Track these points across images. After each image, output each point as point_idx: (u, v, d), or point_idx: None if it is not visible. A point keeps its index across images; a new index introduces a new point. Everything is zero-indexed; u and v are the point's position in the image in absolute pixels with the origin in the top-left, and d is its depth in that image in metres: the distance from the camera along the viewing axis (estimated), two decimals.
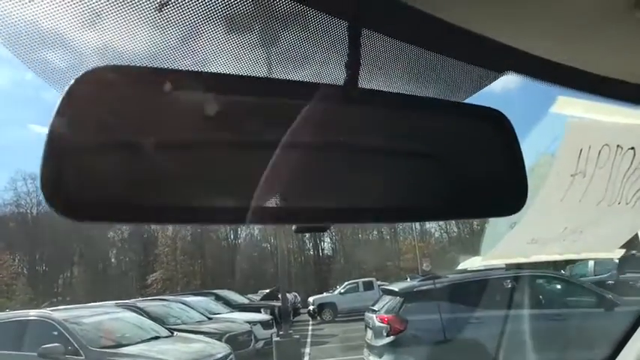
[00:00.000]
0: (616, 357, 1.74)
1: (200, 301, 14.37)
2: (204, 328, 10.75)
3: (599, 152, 1.26)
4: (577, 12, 0.89)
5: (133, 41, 0.79)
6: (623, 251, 1.67)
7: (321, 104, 0.68)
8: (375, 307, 8.83)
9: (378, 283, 18.99)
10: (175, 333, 9.24)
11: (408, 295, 8.18)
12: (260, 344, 11.57)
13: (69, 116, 0.53)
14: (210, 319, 12.14)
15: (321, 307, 18.98)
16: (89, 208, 0.55)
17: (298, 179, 0.65)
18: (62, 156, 0.53)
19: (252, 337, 11.17)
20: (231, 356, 8.26)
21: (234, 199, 0.61)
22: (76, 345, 7.62)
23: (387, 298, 8.81)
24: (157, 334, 8.73)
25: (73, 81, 0.55)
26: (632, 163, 1.36)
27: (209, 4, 0.74)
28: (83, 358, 7.50)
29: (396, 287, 9.01)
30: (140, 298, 15.82)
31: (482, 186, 0.74)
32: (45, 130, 0.55)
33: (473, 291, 7.27)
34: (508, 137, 0.75)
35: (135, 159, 0.57)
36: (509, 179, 0.74)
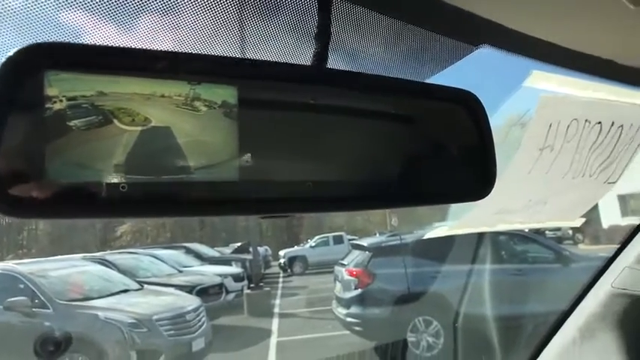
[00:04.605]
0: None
1: (171, 254, 14.31)
2: (175, 281, 10.77)
3: (568, 127, 1.27)
4: None
5: None
6: (583, 220, 1.72)
7: (288, 83, 0.64)
8: (345, 262, 9.09)
9: (348, 237, 19.35)
10: (145, 286, 9.24)
11: (376, 250, 8.43)
12: (231, 297, 11.73)
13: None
14: (180, 272, 12.17)
15: (291, 260, 19.26)
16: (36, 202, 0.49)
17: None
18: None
19: (223, 290, 11.29)
20: (201, 308, 8.34)
21: (214, 188, 0.58)
22: (43, 298, 7.55)
23: (356, 252, 9.05)
24: (127, 287, 8.72)
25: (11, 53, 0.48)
26: (598, 137, 1.38)
27: None
28: (51, 311, 7.45)
29: (365, 242, 9.25)
30: (109, 251, 15.68)
31: (449, 171, 0.73)
32: None
33: (437, 247, 7.49)
34: (479, 120, 0.72)
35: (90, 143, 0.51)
36: (479, 164, 0.72)
